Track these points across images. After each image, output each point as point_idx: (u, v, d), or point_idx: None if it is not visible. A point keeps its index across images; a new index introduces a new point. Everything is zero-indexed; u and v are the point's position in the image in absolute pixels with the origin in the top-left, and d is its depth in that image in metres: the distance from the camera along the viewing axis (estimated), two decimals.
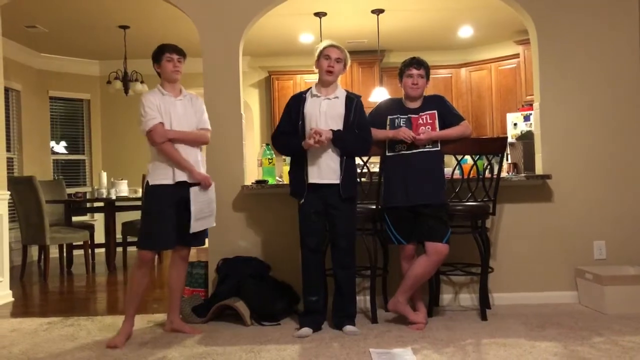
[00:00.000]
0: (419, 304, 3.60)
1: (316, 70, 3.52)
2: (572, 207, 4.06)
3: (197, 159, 3.41)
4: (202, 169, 3.44)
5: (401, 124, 3.53)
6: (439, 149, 3.53)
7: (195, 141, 3.42)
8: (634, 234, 4.06)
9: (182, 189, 3.33)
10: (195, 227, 3.36)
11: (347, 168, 3.41)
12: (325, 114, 3.40)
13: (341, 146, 3.38)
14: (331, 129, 3.35)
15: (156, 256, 6.45)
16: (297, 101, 3.51)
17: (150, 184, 3.35)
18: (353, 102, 3.46)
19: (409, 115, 3.55)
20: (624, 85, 4.10)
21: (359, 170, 3.62)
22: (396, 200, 3.50)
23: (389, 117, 3.59)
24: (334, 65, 3.43)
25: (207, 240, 3.64)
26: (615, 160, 4.08)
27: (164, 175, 3.32)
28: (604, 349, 2.96)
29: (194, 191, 3.34)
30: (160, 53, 3.38)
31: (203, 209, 3.39)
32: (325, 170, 3.38)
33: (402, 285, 3.50)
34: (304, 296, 3.52)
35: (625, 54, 4.10)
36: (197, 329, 3.53)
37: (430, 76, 3.62)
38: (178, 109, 3.38)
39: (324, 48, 3.48)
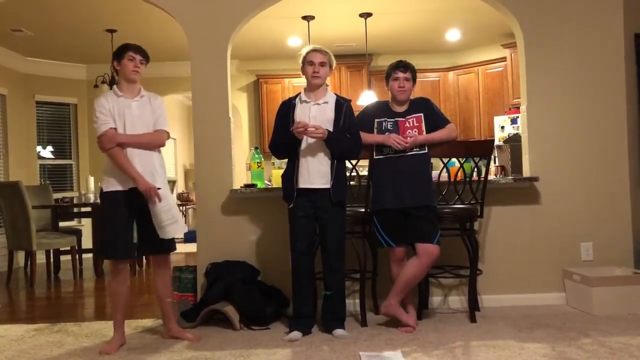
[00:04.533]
0: (409, 307, 3.60)
1: (303, 76, 3.52)
2: (559, 209, 4.09)
3: (153, 163, 3.25)
4: (159, 174, 3.25)
5: (389, 127, 3.55)
6: (426, 151, 3.55)
7: (148, 144, 3.25)
8: (620, 235, 4.09)
9: (139, 194, 3.17)
10: (162, 234, 3.20)
11: (338, 172, 3.41)
12: (315, 119, 3.40)
13: (336, 147, 3.38)
14: (327, 129, 3.34)
15: (144, 261, 6.45)
16: (287, 108, 3.51)
17: (104, 190, 3.26)
18: (343, 106, 3.47)
19: (396, 119, 3.57)
20: (610, 87, 4.14)
21: (347, 174, 3.62)
22: (387, 203, 3.51)
23: (376, 120, 3.60)
24: (319, 70, 3.44)
25: (195, 245, 3.58)
26: (602, 162, 4.12)
27: (116, 182, 3.22)
28: (592, 350, 2.97)
29: (149, 204, 3.18)
30: (123, 51, 3.27)
31: (164, 219, 3.18)
32: (315, 174, 3.38)
33: (394, 288, 3.50)
34: (294, 299, 3.51)
35: (611, 58, 4.14)
36: (197, 335, 3.44)
37: (418, 80, 3.66)
38: (133, 111, 3.25)
39: (307, 54, 3.48)
